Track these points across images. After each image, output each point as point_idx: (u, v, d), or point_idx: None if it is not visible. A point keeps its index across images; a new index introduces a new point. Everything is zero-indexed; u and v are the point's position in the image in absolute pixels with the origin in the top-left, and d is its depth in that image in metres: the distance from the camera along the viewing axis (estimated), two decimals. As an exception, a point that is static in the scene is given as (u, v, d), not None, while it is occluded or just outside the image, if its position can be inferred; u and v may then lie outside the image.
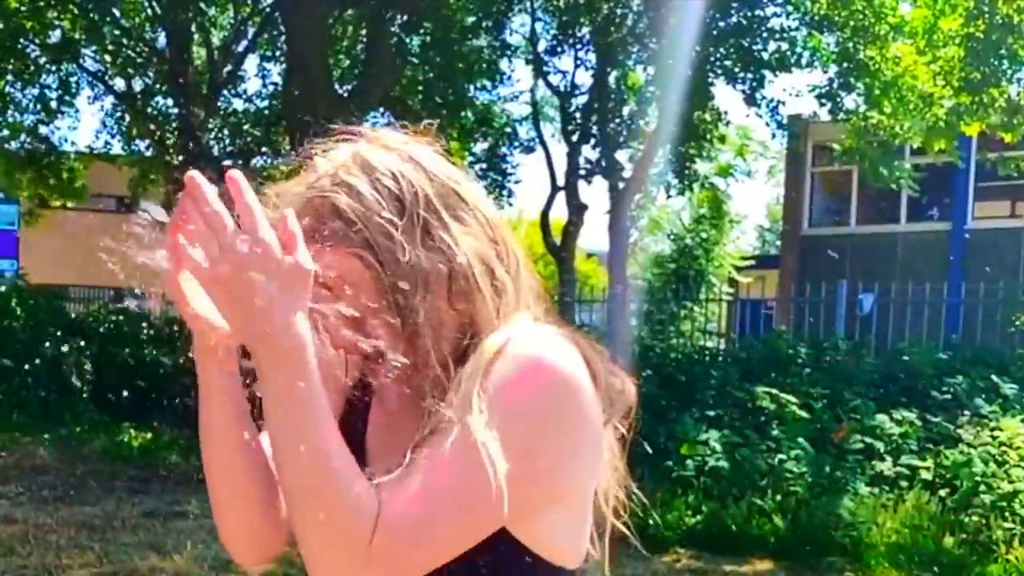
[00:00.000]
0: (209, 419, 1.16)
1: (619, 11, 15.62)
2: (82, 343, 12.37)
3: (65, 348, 12.13)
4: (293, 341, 1.05)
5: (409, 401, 1.18)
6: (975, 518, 6.76)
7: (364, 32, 14.72)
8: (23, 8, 14.92)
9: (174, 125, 16.90)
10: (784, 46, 14.16)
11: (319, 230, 1.12)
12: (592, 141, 16.54)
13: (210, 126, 16.73)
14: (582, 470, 1.18)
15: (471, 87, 16.79)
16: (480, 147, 18.69)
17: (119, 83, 17.84)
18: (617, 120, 16.19)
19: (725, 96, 21.44)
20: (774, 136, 17.02)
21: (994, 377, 8.44)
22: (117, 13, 15.82)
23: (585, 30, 16.48)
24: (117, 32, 16.37)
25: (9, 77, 16.24)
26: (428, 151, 1.22)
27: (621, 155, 16.36)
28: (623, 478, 1.30)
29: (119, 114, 18.71)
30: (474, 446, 1.06)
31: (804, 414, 8.00)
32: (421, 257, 1.13)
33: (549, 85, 17.51)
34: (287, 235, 1.06)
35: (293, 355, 1.05)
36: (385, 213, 1.13)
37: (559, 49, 17.12)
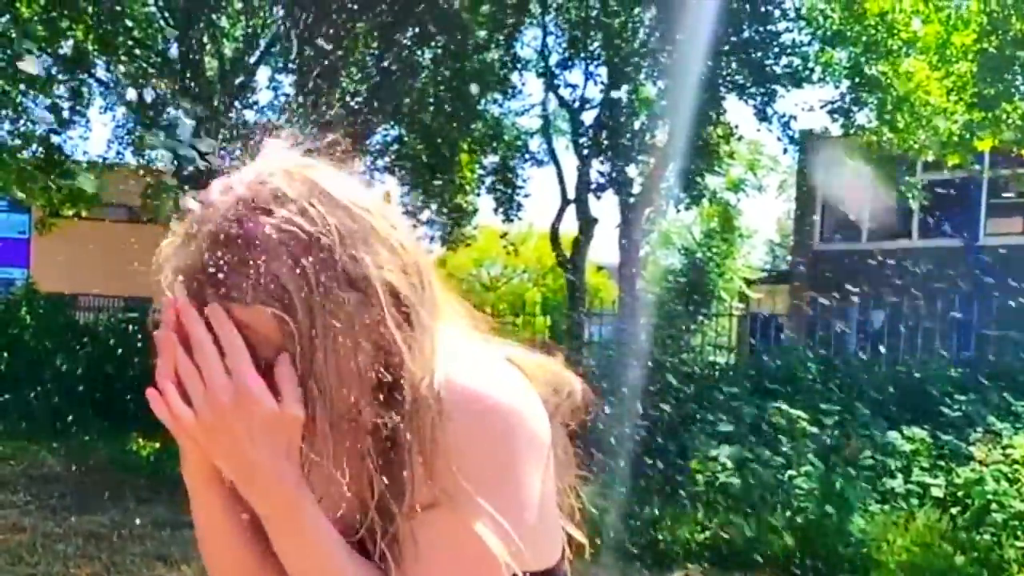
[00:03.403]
0: (216, 539, 1.19)
1: (630, 25, 15.63)
2: (91, 352, 12.38)
3: (74, 357, 12.14)
4: (285, 487, 1.04)
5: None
6: (987, 537, 6.70)
7: (376, 45, 14.74)
8: (35, 18, 14.99)
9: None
10: (796, 61, 14.18)
11: (217, 280, 1.02)
12: (603, 155, 16.53)
13: (220, 137, 16.77)
14: (548, 488, 1.16)
15: (482, 100, 16.80)
16: (491, 160, 18.72)
17: (131, 93, 17.90)
18: (628, 134, 16.17)
19: (736, 110, 21.44)
20: (785, 151, 17.02)
21: (1006, 395, 8.39)
22: (130, 24, 15.90)
23: (596, 44, 16.50)
24: (130, 43, 16.44)
25: (21, 87, 16.30)
26: (332, 176, 1.10)
27: (632, 169, 16.35)
28: (576, 477, 1.28)
29: (130, 124, 18.80)
30: (469, 539, 1.04)
31: (814, 430, 7.97)
32: (336, 299, 1.02)
33: (560, 99, 17.52)
34: (279, 379, 1.02)
35: (289, 502, 1.05)
36: (287, 258, 1.01)
37: (570, 63, 17.14)
